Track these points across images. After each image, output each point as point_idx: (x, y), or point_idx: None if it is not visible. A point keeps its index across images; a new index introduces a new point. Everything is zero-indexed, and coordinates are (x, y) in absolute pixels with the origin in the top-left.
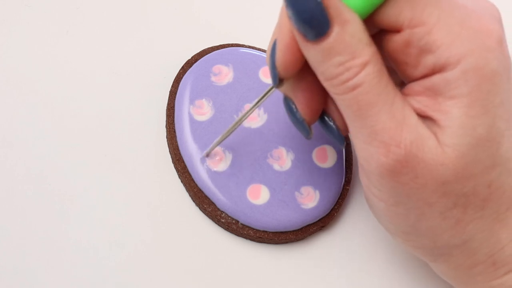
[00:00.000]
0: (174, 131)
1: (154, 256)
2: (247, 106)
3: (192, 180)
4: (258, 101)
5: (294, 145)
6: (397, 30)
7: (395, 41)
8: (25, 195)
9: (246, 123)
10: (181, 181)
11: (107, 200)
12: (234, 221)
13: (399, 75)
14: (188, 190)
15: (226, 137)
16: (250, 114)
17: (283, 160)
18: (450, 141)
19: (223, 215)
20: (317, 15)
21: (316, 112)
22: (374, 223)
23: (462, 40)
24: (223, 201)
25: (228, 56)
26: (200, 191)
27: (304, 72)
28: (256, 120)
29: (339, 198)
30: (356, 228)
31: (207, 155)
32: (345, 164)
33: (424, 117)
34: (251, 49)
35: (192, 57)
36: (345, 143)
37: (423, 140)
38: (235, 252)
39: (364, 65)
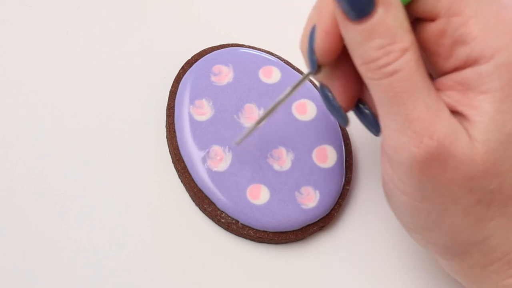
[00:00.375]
0: (174, 131)
1: (154, 256)
2: (247, 106)
3: (192, 180)
4: (293, 89)
5: (294, 145)
6: (432, 19)
7: (430, 30)
8: (25, 195)
9: (246, 123)
10: (181, 181)
11: (107, 200)
12: (234, 221)
13: (430, 68)
14: (188, 190)
15: (258, 126)
16: (282, 103)
17: (283, 160)
18: (480, 136)
19: (223, 215)
20: None
21: (352, 99)
22: (374, 223)
23: (497, 34)
24: (223, 201)
25: (228, 56)
26: (200, 191)
27: (340, 59)
28: (256, 120)
29: (339, 198)
30: (356, 228)
31: (238, 144)
32: (345, 164)
33: (454, 112)
34: (251, 49)
35: (192, 57)
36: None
37: (456, 134)
38: (235, 252)
39: (404, 51)
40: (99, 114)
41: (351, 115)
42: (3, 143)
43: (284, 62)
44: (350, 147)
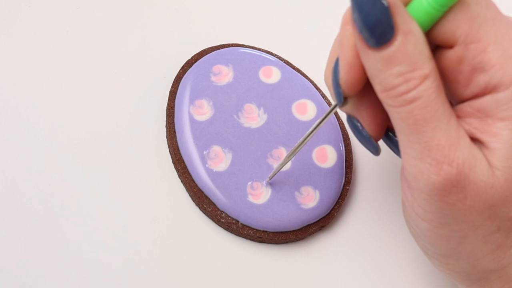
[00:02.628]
0: (174, 131)
1: (154, 256)
2: (247, 106)
3: (192, 180)
4: (320, 122)
5: (294, 145)
6: (451, 46)
7: (448, 57)
8: (25, 195)
9: (246, 123)
10: (181, 181)
11: (107, 200)
12: (234, 221)
13: (449, 95)
14: (188, 190)
15: (288, 160)
16: (310, 138)
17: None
18: (500, 163)
19: (223, 215)
20: (383, 21)
21: (381, 128)
22: (374, 223)
23: None
24: (223, 201)
25: (228, 56)
26: (200, 191)
27: (366, 88)
28: (256, 120)
29: (339, 198)
30: (356, 228)
31: (270, 179)
32: (345, 164)
33: (473, 139)
34: (251, 49)
35: (192, 57)
36: None
37: (476, 161)
38: (235, 252)
39: (424, 78)
40: (99, 114)
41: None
42: (3, 143)
43: (284, 62)
44: (350, 147)
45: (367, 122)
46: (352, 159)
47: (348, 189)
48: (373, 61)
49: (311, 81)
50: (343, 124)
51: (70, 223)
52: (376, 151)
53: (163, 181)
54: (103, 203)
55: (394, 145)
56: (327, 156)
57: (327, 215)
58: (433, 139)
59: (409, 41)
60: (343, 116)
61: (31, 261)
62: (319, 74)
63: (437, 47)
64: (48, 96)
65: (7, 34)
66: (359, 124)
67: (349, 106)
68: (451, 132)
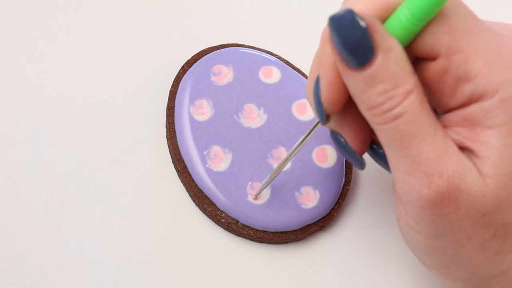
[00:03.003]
0: (174, 131)
1: (154, 256)
2: (247, 106)
3: (192, 180)
4: (305, 138)
5: (293, 145)
6: (433, 58)
7: (431, 69)
8: (25, 195)
9: (246, 123)
10: (181, 181)
11: (107, 200)
12: (234, 221)
13: (435, 105)
14: (188, 190)
15: (275, 177)
16: (297, 151)
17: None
18: (490, 171)
19: (223, 215)
20: (363, 42)
21: (365, 142)
22: (374, 223)
23: (499, 69)
24: (223, 201)
25: (228, 56)
26: (200, 191)
27: (348, 105)
28: (256, 120)
29: (339, 198)
30: (356, 228)
31: (256, 197)
32: (345, 164)
33: (462, 148)
34: (251, 49)
35: (192, 57)
36: None
37: (466, 171)
38: (235, 252)
39: (407, 94)
40: (99, 114)
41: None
42: (3, 143)
43: (284, 62)
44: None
45: (350, 137)
46: None
47: (348, 189)
48: (355, 81)
49: None
50: None
51: (70, 223)
52: (361, 165)
53: (163, 181)
54: (103, 203)
55: (379, 158)
56: (327, 156)
57: (327, 215)
58: (421, 153)
59: (390, 59)
60: None
61: (31, 261)
62: None
63: (418, 59)
64: (48, 96)
65: (7, 34)
66: (342, 140)
67: (332, 122)
68: (438, 143)
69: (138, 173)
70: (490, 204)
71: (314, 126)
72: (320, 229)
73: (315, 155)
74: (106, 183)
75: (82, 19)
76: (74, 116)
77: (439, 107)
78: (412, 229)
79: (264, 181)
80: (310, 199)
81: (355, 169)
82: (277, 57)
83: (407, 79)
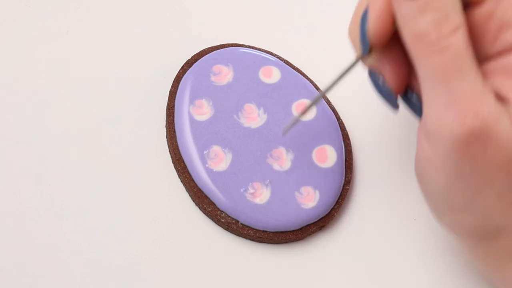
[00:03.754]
0: (174, 131)
1: (154, 256)
2: (247, 106)
3: (192, 180)
4: (342, 74)
5: (294, 145)
6: (480, 1)
7: (477, 13)
8: (25, 195)
9: (246, 123)
10: (181, 181)
11: (107, 200)
12: (234, 221)
13: (475, 53)
14: (188, 190)
15: (304, 113)
16: (334, 86)
17: (283, 160)
18: None
19: (223, 215)
20: None
21: (402, 83)
22: (374, 223)
23: None
24: (223, 201)
25: (228, 56)
26: (200, 191)
27: (391, 43)
28: (256, 120)
29: (339, 198)
30: (356, 228)
31: (285, 132)
32: (345, 164)
33: (498, 97)
34: (251, 49)
35: (192, 57)
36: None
37: (500, 116)
38: (235, 252)
39: (455, 29)
40: (99, 114)
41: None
42: (3, 143)
43: (284, 62)
44: (350, 147)
45: (389, 76)
46: (352, 159)
47: (348, 189)
48: (407, 9)
49: (311, 81)
50: (343, 124)
51: (70, 223)
52: (395, 106)
53: (163, 181)
54: (103, 203)
55: (411, 105)
56: (327, 156)
57: (327, 215)
58: (459, 90)
59: None
60: (343, 116)
61: (31, 261)
62: (319, 74)
63: (465, 2)
64: (47, 96)
65: (7, 34)
66: (380, 79)
67: (372, 59)
68: (478, 85)
69: (138, 173)
70: None
71: (357, 60)
72: (320, 229)
73: (315, 155)
74: (106, 183)
75: (82, 19)
76: (74, 116)
77: (479, 54)
78: (435, 168)
79: (291, 120)
80: (310, 199)
81: (355, 169)
82: (277, 57)
83: (457, 15)
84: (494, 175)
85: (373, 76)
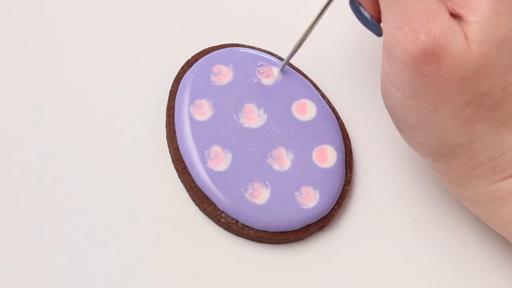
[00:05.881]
0: (174, 131)
1: (154, 256)
2: (247, 106)
3: (192, 180)
4: (327, 4)
5: (294, 145)
6: None
7: None
8: (25, 195)
9: (246, 123)
10: (181, 181)
11: (107, 200)
12: (234, 221)
13: None
14: (188, 190)
15: (300, 46)
16: (319, 21)
17: (283, 160)
18: (475, 37)
19: (223, 215)
20: None
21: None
22: (374, 223)
23: None
24: (223, 201)
25: (228, 56)
26: (200, 191)
27: None
28: (256, 120)
29: (339, 198)
30: (356, 228)
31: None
32: (345, 164)
33: (453, 15)
34: (251, 49)
35: (192, 57)
36: None
37: (453, 34)
38: (235, 252)
39: None
40: (99, 114)
41: None
42: (3, 143)
43: None
44: (350, 147)
45: (368, 3)
46: (352, 159)
47: (348, 189)
48: None
49: (311, 81)
50: (343, 124)
51: (70, 223)
52: (378, 31)
53: (163, 181)
54: (103, 203)
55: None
56: (327, 156)
57: (327, 215)
58: (413, 9)
59: None
60: (343, 116)
61: (31, 261)
62: (319, 74)
63: None
64: (47, 97)
65: (7, 34)
66: (361, 7)
67: None
68: (432, 4)
69: (138, 173)
70: (471, 70)
71: None
72: (320, 229)
73: (315, 155)
74: (106, 183)
75: (82, 19)
76: (74, 116)
77: None
78: (394, 86)
79: (289, 53)
80: (310, 199)
81: (355, 169)
82: (277, 57)
83: None
84: (448, 93)
85: (354, 5)
